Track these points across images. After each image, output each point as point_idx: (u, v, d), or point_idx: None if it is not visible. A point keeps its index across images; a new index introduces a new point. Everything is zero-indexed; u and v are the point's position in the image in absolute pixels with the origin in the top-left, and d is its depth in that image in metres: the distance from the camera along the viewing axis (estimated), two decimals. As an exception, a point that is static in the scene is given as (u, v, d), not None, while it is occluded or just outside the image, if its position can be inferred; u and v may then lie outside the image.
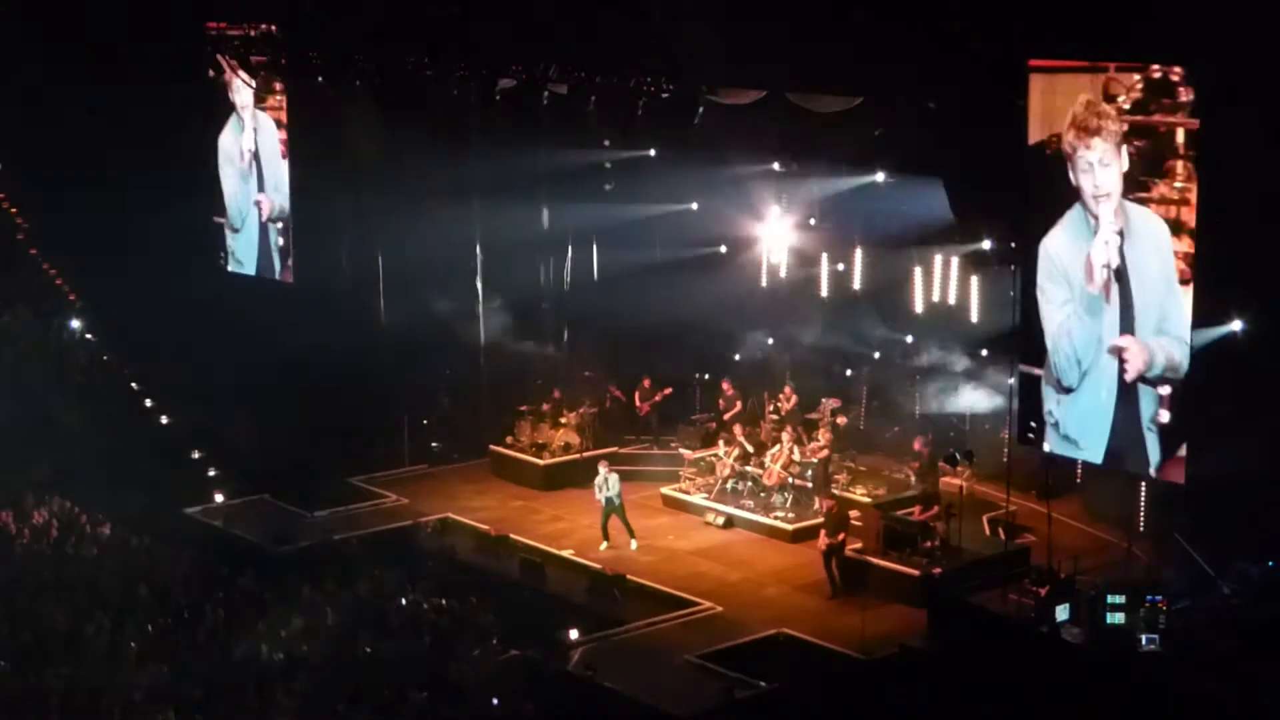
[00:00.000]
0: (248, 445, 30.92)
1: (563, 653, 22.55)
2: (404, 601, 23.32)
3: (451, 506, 28.83)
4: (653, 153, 30.49)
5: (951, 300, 28.28)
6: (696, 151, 27.91)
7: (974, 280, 27.80)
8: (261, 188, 33.37)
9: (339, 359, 31.15)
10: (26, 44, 33.26)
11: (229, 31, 31.07)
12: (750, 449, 28.19)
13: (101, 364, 33.03)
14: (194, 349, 32.19)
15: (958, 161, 24.10)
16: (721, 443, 28.71)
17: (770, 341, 31.30)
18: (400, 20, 28.47)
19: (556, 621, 23.29)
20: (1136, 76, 20.87)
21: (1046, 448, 23.06)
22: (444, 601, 23.34)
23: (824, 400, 29.44)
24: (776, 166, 29.18)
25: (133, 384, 32.98)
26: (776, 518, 27.18)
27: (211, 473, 30.08)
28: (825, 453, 27.65)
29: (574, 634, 22.92)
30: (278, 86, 32.05)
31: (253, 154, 33.18)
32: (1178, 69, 20.39)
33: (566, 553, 26.57)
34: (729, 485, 28.19)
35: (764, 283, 30.82)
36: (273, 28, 30.37)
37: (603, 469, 26.96)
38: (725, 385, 30.25)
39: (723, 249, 31.17)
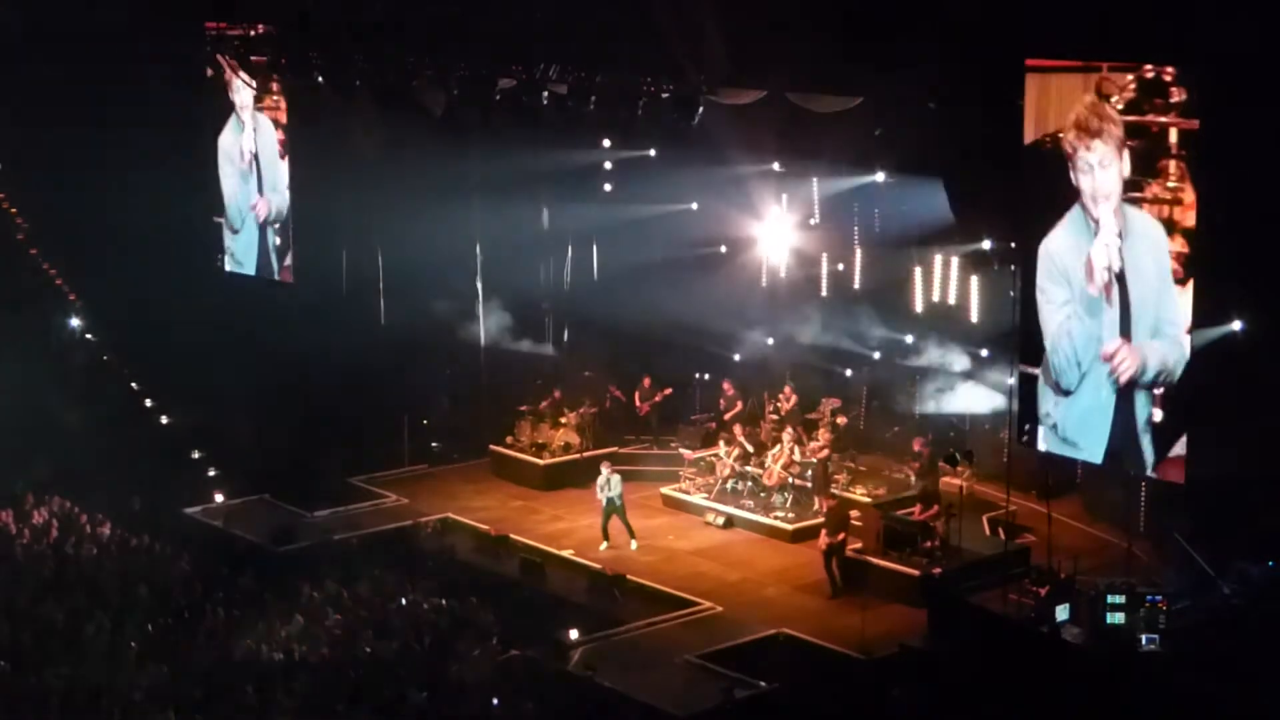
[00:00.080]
0: (248, 445, 30.94)
1: (563, 653, 22.55)
2: (404, 601, 23.33)
3: (451, 506, 28.83)
4: (653, 153, 30.50)
5: (951, 300, 28.30)
6: (696, 151, 27.91)
7: (974, 280, 27.81)
8: (261, 189, 33.37)
9: (339, 359, 31.14)
10: (27, 44, 33.32)
11: (229, 31, 31.05)
12: (750, 449, 28.19)
13: (101, 364, 33.02)
14: (194, 349, 32.19)
15: (958, 161, 24.09)
16: (722, 443, 28.70)
17: (770, 341, 31.29)
18: (400, 20, 28.48)
19: (556, 621, 23.29)
20: (1130, 76, 20.88)
21: (1043, 447, 23.06)
22: (444, 601, 23.37)
23: (824, 400, 29.45)
24: (776, 166, 29.18)
25: (133, 384, 32.98)
26: (776, 518, 27.19)
27: (211, 473, 30.08)
28: (825, 453, 27.66)
29: (574, 634, 22.91)
30: (275, 87, 32.01)
31: (253, 155, 33.18)
32: (1170, 69, 20.42)
33: (566, 553, 26.57)
34: (729, 485, 28.19)
35: (764, 283, 30.83)
36: (273, 28, 30.38)
37: (605, 469, 26.96)
38: (726, 385, 30.26)
39: (723, 249, 31.17)
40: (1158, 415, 21.23)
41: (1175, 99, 20.41)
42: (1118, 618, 21.31)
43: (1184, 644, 20.98)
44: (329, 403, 31.27)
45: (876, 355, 30.05)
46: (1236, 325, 21.27)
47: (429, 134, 29.37)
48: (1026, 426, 23.10)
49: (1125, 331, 21.44)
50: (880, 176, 27.92)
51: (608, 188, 31.81)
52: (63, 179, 33.75)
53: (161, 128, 32.38)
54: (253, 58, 30.68)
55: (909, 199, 27.75)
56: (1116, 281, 21.41)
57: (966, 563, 24.39)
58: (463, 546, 27.02)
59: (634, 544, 26.72)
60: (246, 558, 25.81)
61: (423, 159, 30.13)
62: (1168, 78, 20.48)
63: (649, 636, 23.44)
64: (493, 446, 30.83)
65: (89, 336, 34.04)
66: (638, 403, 30.83)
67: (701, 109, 24.60)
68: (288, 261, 32.95)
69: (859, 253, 29.47)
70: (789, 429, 28.11)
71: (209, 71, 32.46)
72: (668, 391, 30.81)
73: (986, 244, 26.96)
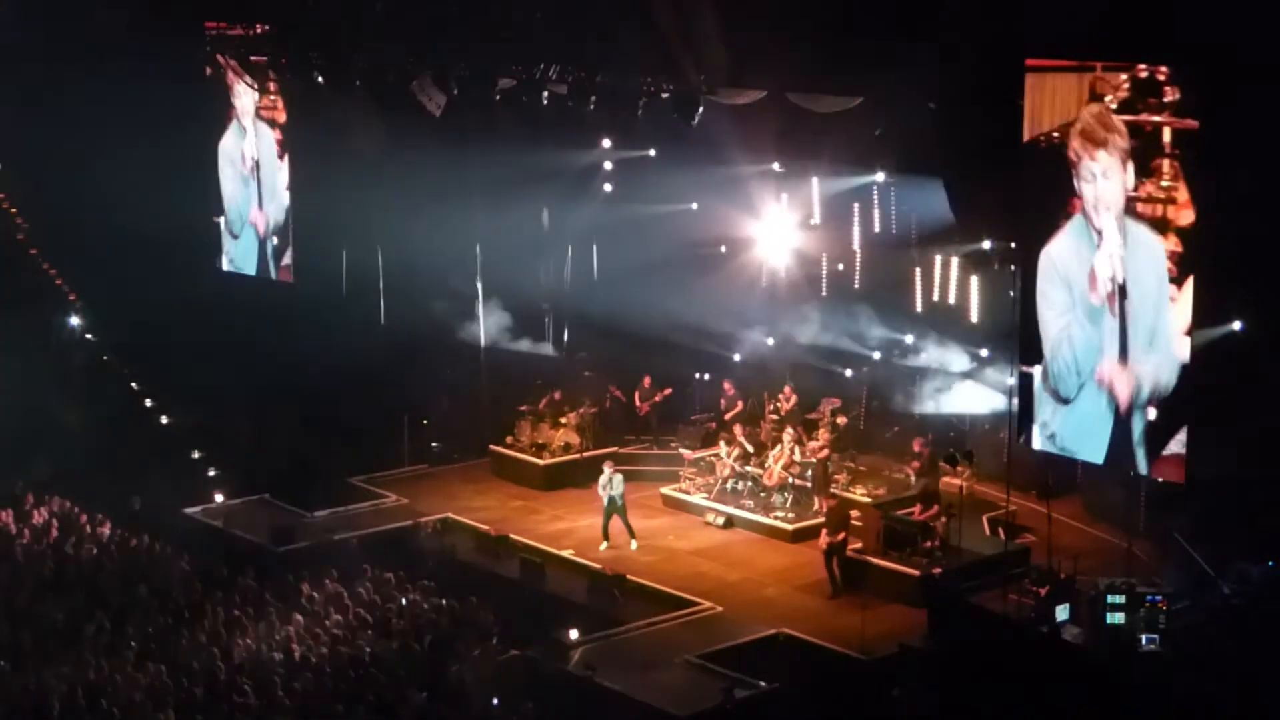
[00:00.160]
0: (248, 445, 30.93)
1: (563, 653, 22.55)
2: (404, 601, 23.33)
3: (451, 506, 28.83)
4: (653, 153, 30.50)
5: (951, 300, 28.30)
6: (696, 151, 27.91)
7: (974, 280, 27.80)
8: (261, 201, 33.35)
9: (339, 359, 31.14)
10: (27, 43, 33.33)
11: (229, 31, 31.07)
12: (750, 449, 28.19)
13: (101, 364, 33.03)
14: (194, 349, 32.19)
15: (958, 161, 24.09)
16: (722, 443, 28.70)
17: (770, 341, 31.29)
18: (400, 20, 28.49)
19: (556, 621, 23.29)
20: (1123, 76, 20.91)
21: (1037, 447, 23.11)
22: (444, 601, 23.36)
23: (824, 400, 29.45)
24: (776, 166, 29.18)
25: (133, 384, 32.98)
26: (776, 518, 27.19)
27: (211, 473, 30.08)
28: (825, 452, 27.65)
29: (574, 634, 22.91)
30: (272, 87, 32.01)
31: (255, 161, 33.17)
32: (1164, 68, 20.43)
33: (566, 553, 26.57)
34: (729, 485, 28.19)
35: (764, 283, 30.81)
36: (273, 28, 30.41)
37: (608, 468, 26.96)
38: (726, 385, 30.27)
39: (723, 249, 31.16)
40: (1152, 414, 21.29)
41: (1169, 98, 20.45)
42: (1118, 618, 21.31)
43: (1184, 644, 20.98)
44: (329, 403, 31.26)
45: (876, 355, 30.04)
46: (1236, 325, 21.27)
47: (429, 134, 29.38)
48: (1026, 428, 23.11)
49: (1123, 346, 21.46)
50: (880, 176, 27.94)
51: (608, 188, 31.80)
52: (63, 179, 33.76)
53: (162, 127, 32.39)
54: (253, 58, 30.73)
55: (909, 199, 27.77)
56: (1119, 293, 21.40)
57: (966, 563, 24.39)
58: (463, 546, 27.02)
59: (634, 544, 26.72)
60: (246, 558, 25.80)
61: (423, 159, 30.11)
62: (1161, 77, 20.52)
63: (649, 636, 23.43)
64: (493, 446, 30.83)
65: (89, 336, 34.02)
66: (638, 403, 30.83)
67: (701, 109, 24.61)
68: (287, 261, 32.96)
69: (859, 253, 29.46)
70: (789, 429, 28.10)
71: (209, 71, 32.43)
72: (668, 391, 30.81)
73: (986, 244, 26.95)
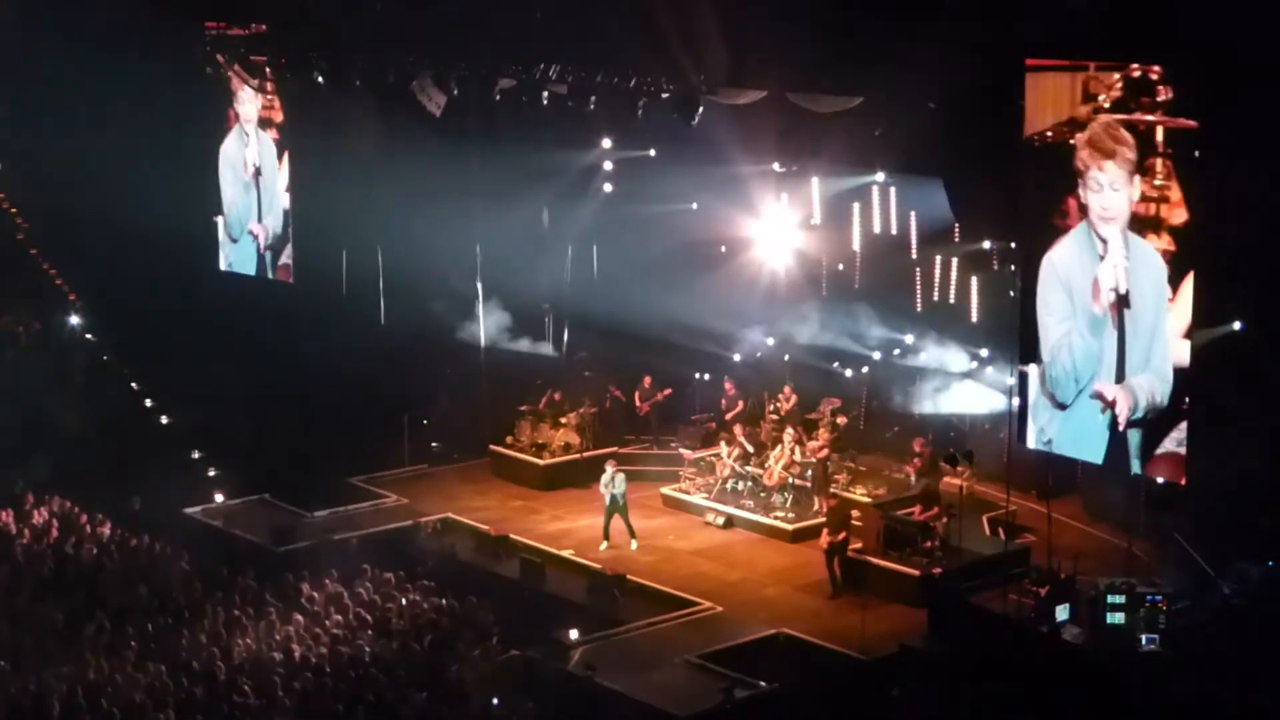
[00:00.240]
0: (248, 445, 30.91)
1: (563, 653, 22.54)
2: (404, 601, 23.32)
3: (451, 506, 28.82)
4: (653, 153, 30.50)
5: (951, 300, 28.30)
6: (696, 151, 27.92)
7: (974, 280, 27.80)
8: (260, 213, 33.34)
9: (339, 359, 31.14)
10: (27, 43, 33.34)
11: (229, 31, 31.06)
12: (750, 449, 28.18)
13: (101, 364, 33.02)
14: (194, 349, 32.17)
15: (958, 161, 24.09)
16: (722, 443, 28.69)
17: (770, 341, 31.30)
18: (400, 20, 28.50)
19: (556, 621, 23.29)
20: (1116, 76, 20.92)
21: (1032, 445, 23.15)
22: (444, 601, 23.35)
23: (824, 400, 29.44)
24: (776, 166, 29.18)
25: (133, 384, 32.97)
26: (776, 518, 27.18)
27: (211, 473, 30.07)
28: (825, 452, 27.64)
29: (574, 634, 22.91)
30: (270, 87, 32.00)
31: (256, 168, 33.15)
32: (1156, 67, 20.44)
33: (566, 553, 26.57)
34: (729, 485, 28.18)
35: (764, 283, 30.81)
36: (273, 28, 30.41)
37: (610, 467, 26.96)
38: (727, 385, 30.26)
39: (723, 249, 31.16)
40: (1149, 423, 21.33)
41: (1162, 97, 20.46)
42: (1118, 618, 21.31)
43: (1184, 644, 20.98)
44: (329, 403, 31.26)
45: (876, 355, 30.05)
46: (1236, 325, 21.27)
47: (429, 134, 29.39)
48: (1024, 428, 23.13)
49: (1122, 358, 21.46)
50: (880, 176, 27.94)
51: (608, 188, 31.81)
52: (63, 179, 33.76)
53: (162, 128, 32.41)
54: (253, 58, 30.73)
55: (909, 199, 27.77)
56: (1121, 303, 21.40)
57: (966, 563, 24.39)
58: (463, 546, 27.00)
59: (634, 544, 26.71)
60: (246, 558, 25.79)
61: (423, 159, 30.12)
62: (1155, 76, 20.53)
63: (649, 636, 23.43)
64: (493, 446, 30.82)
65: (89, 336, 34.01)
66: (638, 403, 30.82)
67: (701, 109, 24.61)
68: (287, 261, 32.95)
69: (859, 253, 29.46)
70: (789, 429, 28.10)
71: (209, 71, 32.42)
72: (668, 391, 30.80)
73: (986, 244, 26.95)
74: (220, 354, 31.97)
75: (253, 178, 33.32)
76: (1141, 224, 21.06)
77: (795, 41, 23.55)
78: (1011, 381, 24.27)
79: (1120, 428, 21.54)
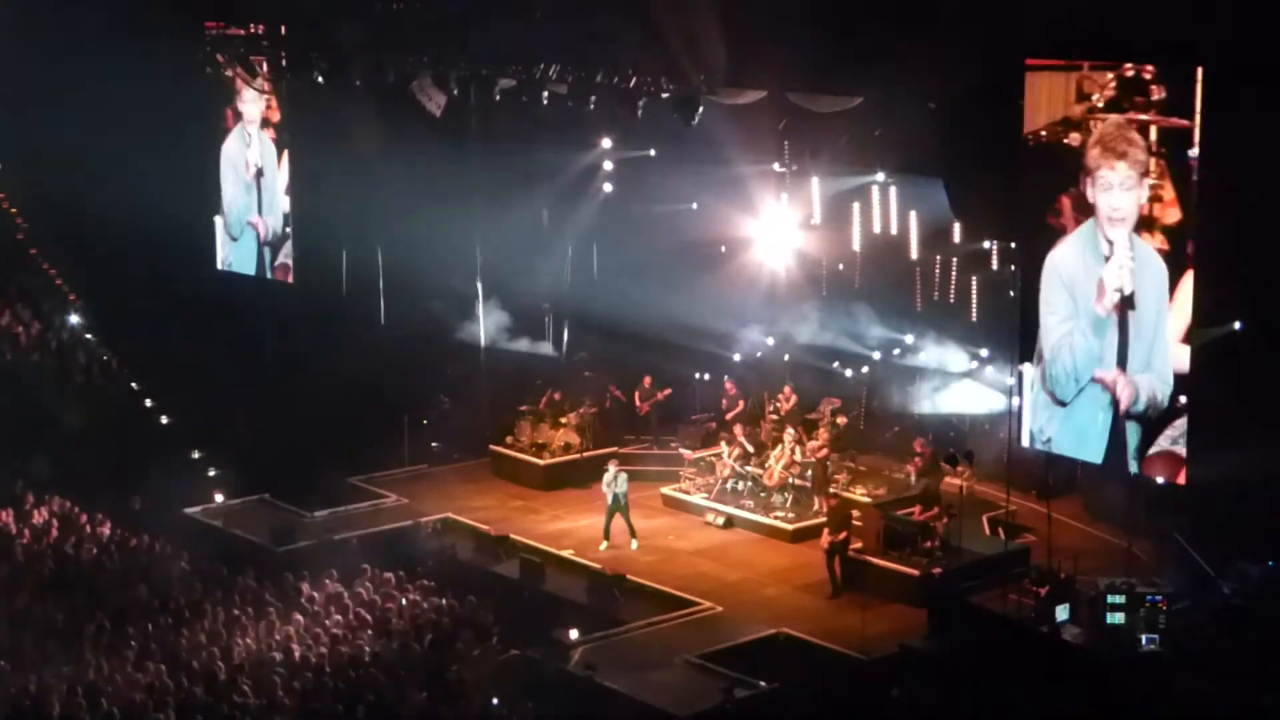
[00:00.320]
0: (248, 445, 30.91)
1: (563, 653, 22.54)
2: (404, 601, 23.32)
3: (451, 506, 28.81)
4: (653, 153, 30.50)
5: (951, 300, 28.30)
6: (696, 151, 27.92)
7: (974, 280, 27.79)
8: (261, 209, 33.34)
9: (339, 359, 31.14)
10: (27, 43, 33.33)
11: (229, 31, 31.05)
12: (751, 449, 28.18)
13: (101, 364, 33.01)
14: (194, 349, 32.16)
15: (958, 161, 24.09)
16: (722, 443, 28.69)
17: (770, 341, 31.30)
18: (400, 20, 28.50)
19: (556, 621, 23.29)
20: (1110, 75, 20.94)
21: (1034, 446, 23.16)
22: (444, 601, 23.35)
23: (824, 400, 29.44)
24: (776, 166, 29.18)
25: (133, 384, 32.97)
26: (776, 518, 27.18)
27: (211, 473, 30.07)
28: (824, 452, 27.64)
29: (574, 634, 22.91)
30: (268, 87, 31.98)
31: (258, 168, 33.13)
32: (1150, 67, 20.45)
33: (566, 553, 26.56)
34: (729, 485, 28.18)
35: (764, 282, 30.81)
36: (273, 28, 30.40)
37: (613, 467, 26.97)
38: (728, 384, 30.26)
39: (723, 249, 31.17)
40: (1148, 421, 21.33)
41: (1156, 97, 20.47)
42: (1118, 618, 21.30)
43: (1184, 644, 20.97)
44: (329, 403, 31.25)
45: (876, 355, 30.06)
46: (1236, 325, 21.27)
47: (429, 134, 29.38)
48: (1025, 429, 23.15)
49: (1123, 357, 21.46)
50: (880, 176, 27.94)
51: (608, 188, 31.81)
52: (63, 178, 33.75)
53: (162, 127, 32.38)
54: (253, 58, 30.72)
55: (909, 199, 27.77)
56: (1126, 304, 21.38)
57: (966, 563, 24.38)
58: (463, 546, 27.00)
59: (634, 544, 26.72)
60: (246, 558, 25.79)
61: (423, 159, 30.12)
62: (1148, 76, 20.55)
63: (649, 636, 23.43)
64: (493, 446, 30.82)
65: (89, 336, 34.01)
66: (638, 402, 30.82)
67: (701, 109, 24.61)
68: (288, 261, 32.94)
69: (859, 253, 29.46)
70: (790, 429, 28.09)
71: (209, 71, 32.42)
72: (668, 391, 30.79)
73: (986, 244, 26.93)
74: (220, 354, 31.95)
75: (254, 178, 33.30)
76: (1136, 224, 21.06)
77: (795, 41, 23.54)
78: (1011, 381, 24.26)
79: (1121, 412, 21.46)
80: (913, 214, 27.98)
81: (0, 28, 33.19)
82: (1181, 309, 20.84)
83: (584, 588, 25.26)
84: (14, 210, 36.30)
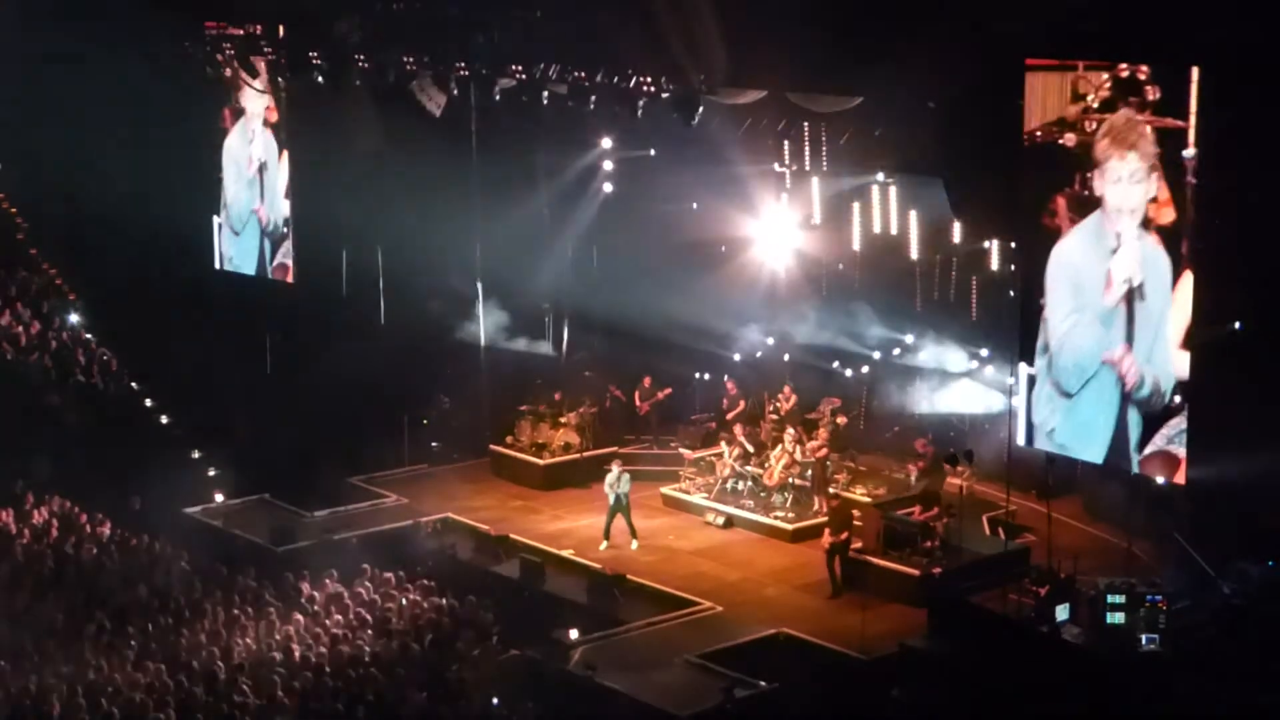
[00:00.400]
0: (248, 445, 30.90)
1: (563, 653, 22.55)
2: (404, 601, 23.33)
3: (451, 506, 28.81)
4: (653, 153, 30.50)
5: (951, 300, 28.30)
6: (696, 151, 27.92)
7: (974, 280, 27.79)
8: (263, 199, 33.34)
9: (339, 359, 31.12)
10: (27, 43, 33.33)
11: (229, 31, 31.06)
12: (750, 449, 28.18)
13: (102, 364, 33.01)
14: (194, 349, 32.17)
15: (957, 161, 24.09)
16: (722, 442, 28.69)
17: (770, 341, 31.31)
18: (400, 20, 28.51)
19: (556, 621, 23.29)
20: (1105, 75, 20.94)
21: (1036, 446, 23.11)
22: (444, 601, 23.35)
23: (824, 400, 29.44)
24: (776, 166, 29.19)
25: (133, 384, 32.97)
26: (776, 518, 27.18)
27: (211, 473, 30.06)
28: (824, 452, 27.63)
29: (574, 634, 22.91)
30: (267, 86, 31.99)
31: (261, 163, 33.13)
32: (1144, 67, 20.46)
33: (566, 553, 26.57)
34: (729, 485, 28.18)
35: (764, 282, 30.82)
36: (274, 27, 30.41)
37: (616, 467, 26.97)
38: (729, 384, 30.25)
39: (723, 249, 31.17)
40: (1150, 414, 21.35)
41: (1151, 97, 20.49)
42: (1118, 618, 21.29)
43: (1184, 644, 20.97)
44: (329, 403, 31.23)
45: (876, 355, 30.06)
46: (1236, 325, 21.27)
47: (429, 134, 29.38)
48: (1025, 428, 23.12)
49: (1130, 341, 21.44)
50: (880, 176, 27.93)
51: (608, 188, 31.82)
52: (63, 179, 33.74)
53: (162, 127, 32.39)
54: (253, 58, 30.73)
55: (909, 199, 27.77)
56: (1136, 294, 21.35)
57: (966, 563, 24.38)
58: (462, 546, 27.01)
59: (635, 544, 26.72)
60: (246, 557, 25.80)
61: (423, 159, 30.12)
62: (1142, 76, 20.56)
63: (649, 636, 23.43)
64: (493, 446, 30.82)
65: (89, 336, 34.01)
66: (638, 402, 30.83)
67: (701, 109, 24.61)
68: (288, 261, 32.94)
69: (859, 253, 29.46)
70: (790, 428, 28.09)
71: (209, 71, 32.44)
72: (668, 391, 30.80)
73: (986, 244, 26.93)
74: (220, 354, 31.94)
75: (257, 173, 33.26)
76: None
77: (795, 41, 23.54)
78: (1011, 381, 24.26)
79: (1128, 390, 21.41)
80: (913, 214, 28.00)
81: (1, 28, 33.15)
82: (1180, 309, 20.85)
83: (584, 588, 25.26)
84: (14, 210, 36.28)
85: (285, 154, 32.52)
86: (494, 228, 31.69)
